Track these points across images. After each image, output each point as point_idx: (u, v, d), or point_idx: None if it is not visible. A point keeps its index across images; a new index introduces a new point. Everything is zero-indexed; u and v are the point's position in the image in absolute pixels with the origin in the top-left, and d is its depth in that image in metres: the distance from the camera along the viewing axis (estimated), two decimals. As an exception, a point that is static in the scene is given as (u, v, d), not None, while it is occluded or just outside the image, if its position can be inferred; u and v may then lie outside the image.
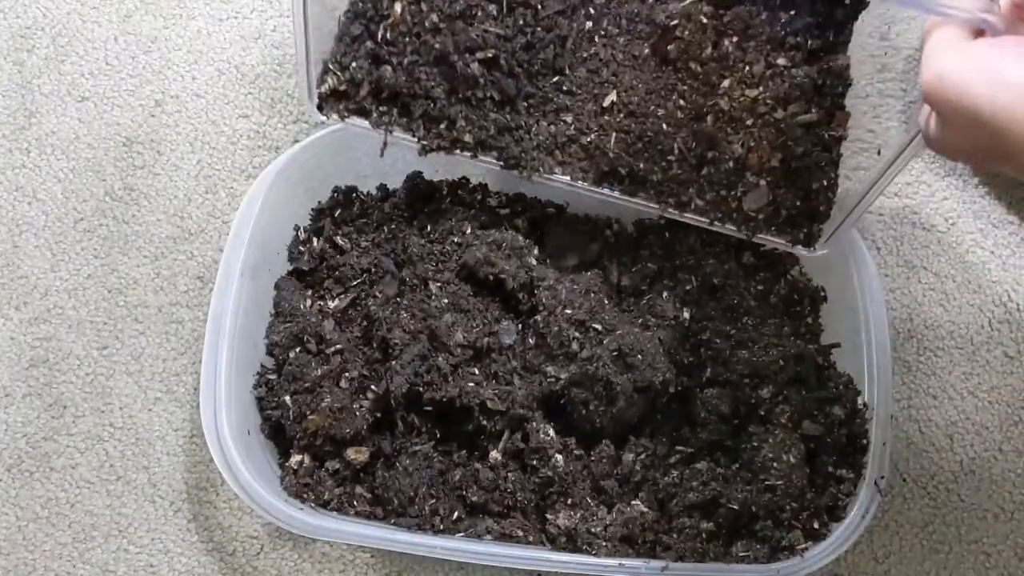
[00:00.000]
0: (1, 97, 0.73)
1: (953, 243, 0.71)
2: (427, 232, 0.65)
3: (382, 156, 0.59)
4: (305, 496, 0.57)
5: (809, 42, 0.56)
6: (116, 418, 0.65)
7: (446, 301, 0.58)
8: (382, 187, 0.67)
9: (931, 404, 0.66)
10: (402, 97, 0.57)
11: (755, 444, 0.56)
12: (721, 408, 0.57)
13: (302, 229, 0.66)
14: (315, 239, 0.66)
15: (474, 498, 0.56)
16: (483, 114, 0.56)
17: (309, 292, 0.64)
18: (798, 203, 0.58)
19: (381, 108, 0.58)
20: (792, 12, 0.55)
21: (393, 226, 0.65)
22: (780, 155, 0.56)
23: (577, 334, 0.57)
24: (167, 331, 0.67)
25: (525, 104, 0.57)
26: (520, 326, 0.59)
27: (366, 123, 0.58)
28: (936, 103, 0.41)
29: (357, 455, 0.58)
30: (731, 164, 0.56)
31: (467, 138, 0.56)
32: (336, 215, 0.66)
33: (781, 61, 0.55)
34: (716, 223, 0.58)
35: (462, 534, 0.56)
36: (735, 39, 0.55)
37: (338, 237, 0.65)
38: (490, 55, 0.54)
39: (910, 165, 0.73)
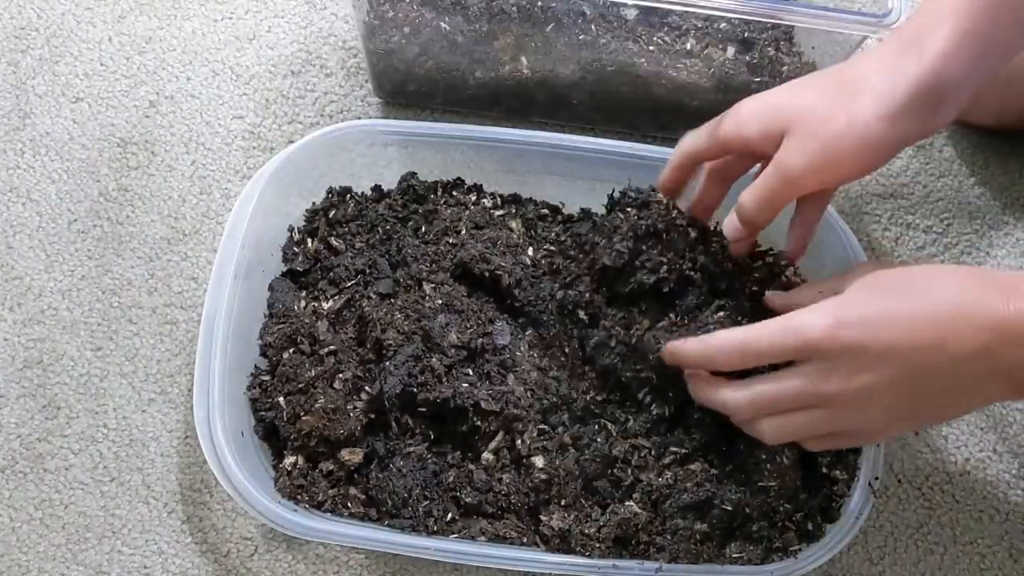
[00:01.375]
0: (-5, 98, 0.73)
1: (948, 243, 0.71)
2: (421, 233, 0.65)
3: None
4: (299, 497, 0.57)
5: None
6: (110, 419, 0.65)
7: (440, 302, 0.58)
8: (376, 188, 0.67)
9: (926, 405, 0.66)
10: None
11: (749, 445, 0.56)
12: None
13: (296, 230, 0.66)
14: (309, 240, 0.66)
15: (468, 499, 0.56)
16: None
17: (303, 293, 0.64)
18: None
19: None
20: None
21: (388, 227, 0.65)
22: None
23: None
24: (161, 332, 0.67)
25: None
26: (514, 327, 0.59)
27: None
28: (835, 350, 0.45)
29: (351, 456, 0.58)
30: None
31: None
32: (330, 216, 0.66)
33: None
34: None
35: (456, 535, 0.56)
36: None
37: (332, 238, 0.65)
38: None
39: (906, 166, 0.73)
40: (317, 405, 0.57)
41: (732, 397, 0.50)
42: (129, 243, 0.69)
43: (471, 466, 0.57)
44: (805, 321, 0.46)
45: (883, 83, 0.47)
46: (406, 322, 0.58)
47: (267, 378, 0.61)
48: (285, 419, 0.58)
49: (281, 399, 0.59)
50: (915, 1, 0.78)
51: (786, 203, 0.53)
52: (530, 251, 0.63)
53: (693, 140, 0.55)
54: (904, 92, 0.47)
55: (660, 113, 0.71)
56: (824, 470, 0.57)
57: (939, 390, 0.46)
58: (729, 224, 0.55)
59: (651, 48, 0.65)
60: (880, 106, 0.47)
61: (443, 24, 0.65)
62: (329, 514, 0.57)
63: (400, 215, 0.65)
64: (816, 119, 0.48)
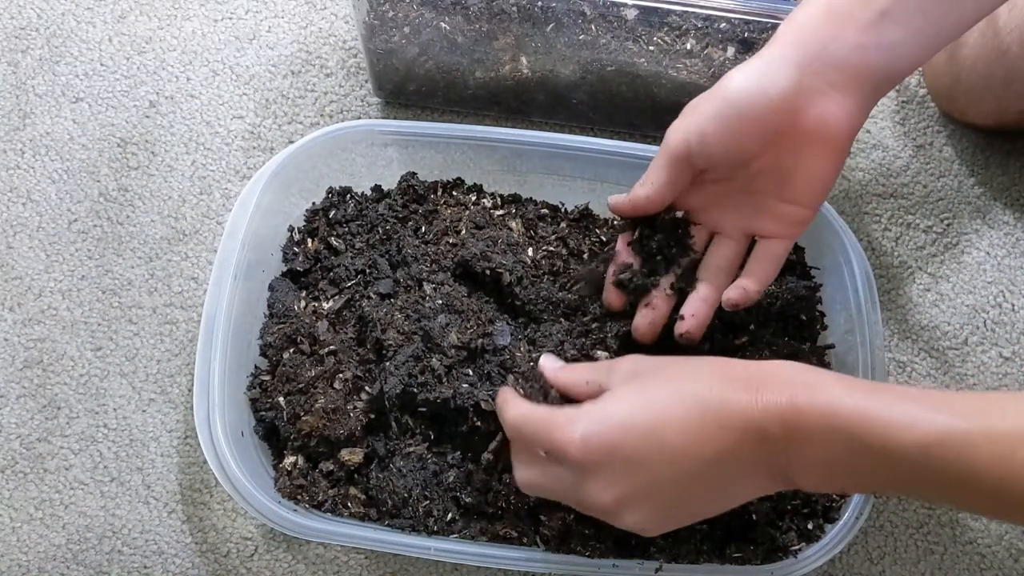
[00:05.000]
0: (-5, 98, 0.73)
1: (948, 243, 0.71)
2: (422, 233, 0.65)
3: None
4: (299, 497, 0.57)
5: None
6: (110, 419, 0.65)
7: (440, 302, 0.58)
8: (376, 188, 0.67)
9: (926, 405, 0.66)
10: None
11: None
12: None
13: (296, 230, 0.66)
14: (309, 240, 0.66)
15: (468, 499, 0.56)
16: None
17: (303, 293, 0.64)
18: None
19: None
20: None
21: (388, 227, 0.65)
22: None
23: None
24: (161, 332, 0.67)
25: None
26: (514, 327, 0.59)
27: None
28: (587, 464, 0.44)
29: (351, 456, 0.58)
30: None
31: None
32: (330, 216, 0.66)
33: None
34: None
35: (456, 536, 0.56)
36: None
37: (332, 238, 0.65)
38: None
39: (906, 165, 0.73)
40: (317, 405, 0.57)
41: (515, 469, 0.50)
42: (129, 243, 0.69)
43: (471, 466, 0.57)
44: (559, 430, 0.45)
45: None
46: (406, 322, 0.58)
47: (267, 378, 0.61)
48: (285, 419, 0.58)
49: (281, 399, 0.59)
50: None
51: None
52: (530, 251, 0.63)
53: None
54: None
55: (660, 113, 0.71)
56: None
57: (695, 492, 0.45)
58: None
59: (651, 48, 0.65)
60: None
61: (443, 24, 0.65)
62: (329, 514, 0.57)
63: (400, 215, 0.65)
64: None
